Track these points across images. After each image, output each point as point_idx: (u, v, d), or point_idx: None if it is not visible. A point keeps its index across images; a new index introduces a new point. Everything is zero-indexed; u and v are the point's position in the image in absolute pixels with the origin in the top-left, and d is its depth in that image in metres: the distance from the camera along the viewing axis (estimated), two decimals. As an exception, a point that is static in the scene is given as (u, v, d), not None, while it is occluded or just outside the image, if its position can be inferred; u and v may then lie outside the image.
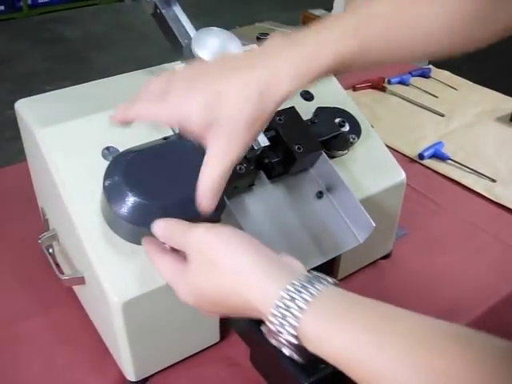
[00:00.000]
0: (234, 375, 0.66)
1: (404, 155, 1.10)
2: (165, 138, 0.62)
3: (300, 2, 4.51)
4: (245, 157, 0.61)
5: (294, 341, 0.41)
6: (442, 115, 1.24)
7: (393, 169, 0.77)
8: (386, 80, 1.37)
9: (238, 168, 0.59)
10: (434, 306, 0.76)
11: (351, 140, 0.71)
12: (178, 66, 0.65)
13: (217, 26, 0.67)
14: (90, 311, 0.71)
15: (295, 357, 0.44)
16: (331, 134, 0.69)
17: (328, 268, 0.72)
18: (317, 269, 0.61)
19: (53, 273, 0.71)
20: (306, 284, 0.42)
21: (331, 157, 0.70)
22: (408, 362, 0.36)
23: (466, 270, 0.84)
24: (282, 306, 0.41)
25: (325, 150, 0.67)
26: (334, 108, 0.73)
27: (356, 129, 0.72)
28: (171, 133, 0.64)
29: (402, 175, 0.76)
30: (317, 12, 3.60)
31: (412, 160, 1.09)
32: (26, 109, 0.67)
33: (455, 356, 0.35)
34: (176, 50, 0.68)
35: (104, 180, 0.54)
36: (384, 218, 0.75)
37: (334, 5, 3.05)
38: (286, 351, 0.44)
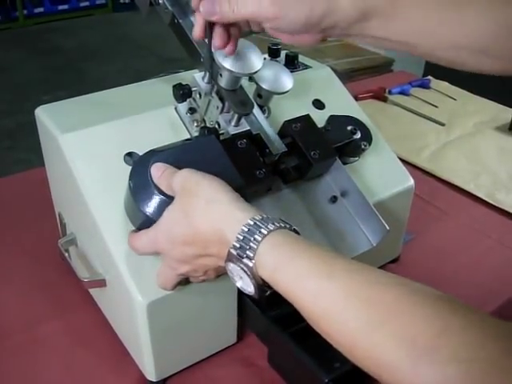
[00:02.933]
0: (251, 375, 0.67)
1: (407, 163, 1.12)
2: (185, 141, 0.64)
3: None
4: (264, 162, 0.63)
5: (251, 264, 0.45)
6: (443, 124, 1.27)
7: (402, 175, 0.79)
8: (386, 90, 1.41)
9: (257, 173, 0.61)
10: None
11: (363, 147, 0.73)
12: (197, 75, 0.67)
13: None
14: (108, 313, 0.72)
15: (249, 289, 0.48)
16: (344, 141, 0.71)
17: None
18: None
19: (69, 277, 0.73)
20: (271, 219, 0.47)
21: (343, 163, 0.72)
22: (356, 296, 0.40)
23: (471, 274, 0.86)
24: (247, 230, 0.46)
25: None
26: (345, 116, 0.75)
27: (367, 136, 0.74)
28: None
29: (410, 181, 0.79)
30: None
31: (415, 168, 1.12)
32: (47, 115, 0.69)
33: (400, 292, 0.39)
34: (194, 59, 0.70)
35: (130, 179, 0.56)
36: (393, 222, 0.76)
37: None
38: (239, 283, 0.48)
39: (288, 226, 0.48)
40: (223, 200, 0.49)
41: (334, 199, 0.69)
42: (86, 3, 5.20)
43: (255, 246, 0.45)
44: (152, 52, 4.18)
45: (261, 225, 0.46)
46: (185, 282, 0.58)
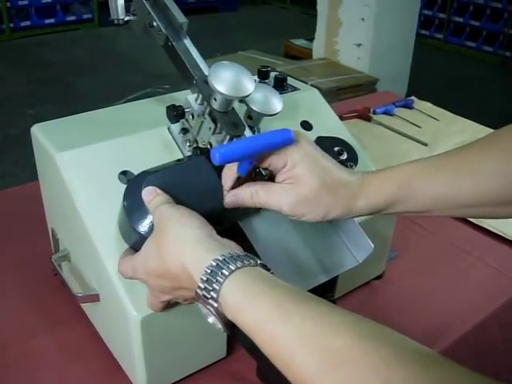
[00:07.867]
0: (241, 389, 0.69)
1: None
2: (178, 161, 0.66)
3: (282, 31, 4.64)
4: (254, 181, 0.65)
5: (216, 305, 0.46)
6: (426, 144, 1.31)
7: (386, 194, 0.82)
8: (371, 110, 1.44)
9: (248, 192, 0.63)
10: (423, 324, 0.81)
11: (349, 167, 0.76)
12: (190, 96, 0.69)
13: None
14: (100, 328, 0.73)
15: (218, 326, 0.48)
16: (331, 161, 0.74)
17: (327, 287, 0.76)
18: (317, 288, 0.65)
19: (60, 292, 0.75)
20: (235, 257, 0.48)
21: (330, 182, 0.75)
22: (307, 344, 0.41)
23: (453, 290, 0.89)
24: (209, 272, 0.47)
25: (325, 176, 0.72)
26: (332, 137, 0.78)
27: (353, 157, 0.77)
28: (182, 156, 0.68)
29: (394, 200, 0.81)
30: (298, 42, 3.70)
31: (398, 186, 1.15)
32: (43, 133, 0.70)
33: (350, 339, 0.40)
34: (187, 81, 0.72)
35: (124, 199, 0.58)
36: (378, 240, 0.79)
37: (316, 35, 3.14)
38: (211, 319, 0.49)
39: (253, 262, 0.48)
40: (190, 238, 0.50)
41: (321, 217, 0.72)
42: (73, 17, 5.23)
43: (218, 288, 0.46)
44: (138, 67, 4.21)
45: (222, 266, 0.47)
46: (174, 303, 0.59)
